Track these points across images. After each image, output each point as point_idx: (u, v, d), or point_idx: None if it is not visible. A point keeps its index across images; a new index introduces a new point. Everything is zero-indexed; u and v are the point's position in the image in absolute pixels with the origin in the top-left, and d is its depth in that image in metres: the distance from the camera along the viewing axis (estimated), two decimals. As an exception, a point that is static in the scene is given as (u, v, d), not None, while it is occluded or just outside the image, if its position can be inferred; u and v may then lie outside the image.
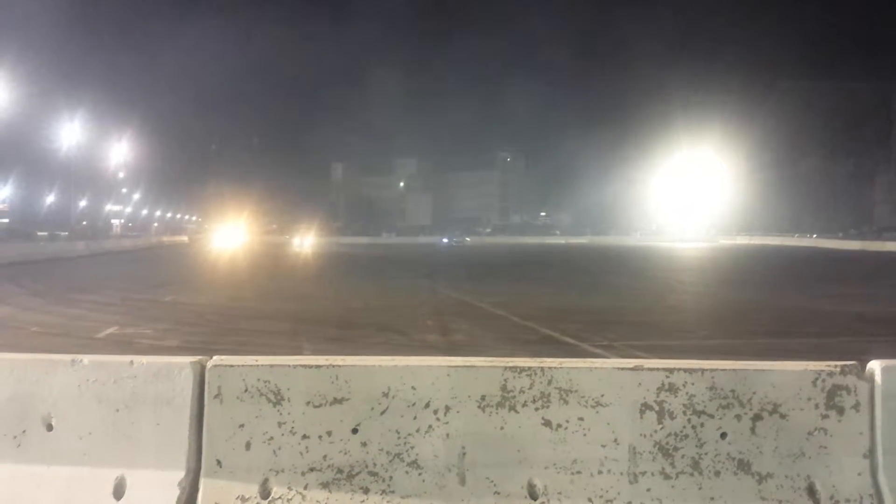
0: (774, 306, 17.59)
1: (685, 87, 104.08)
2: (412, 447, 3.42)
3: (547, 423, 3.45)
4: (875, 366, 3.49)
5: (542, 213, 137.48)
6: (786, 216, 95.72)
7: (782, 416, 3.43)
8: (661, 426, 3.43)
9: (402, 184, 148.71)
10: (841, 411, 3.44)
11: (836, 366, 3.48)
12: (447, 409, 3.46)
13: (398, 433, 3.44)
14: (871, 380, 3.47)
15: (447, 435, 3.44)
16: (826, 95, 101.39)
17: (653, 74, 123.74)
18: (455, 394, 3.48)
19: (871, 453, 3.41)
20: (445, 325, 13.46)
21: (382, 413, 3.45)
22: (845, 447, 3.42)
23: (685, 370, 3.48)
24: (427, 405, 3.45)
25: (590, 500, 3.37)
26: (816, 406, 3.44)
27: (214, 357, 3.57)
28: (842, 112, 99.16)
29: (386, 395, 3.46)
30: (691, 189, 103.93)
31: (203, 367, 3.51)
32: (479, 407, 3.47)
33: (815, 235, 78.22)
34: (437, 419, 3.45)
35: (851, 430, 3.43)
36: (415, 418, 3.44)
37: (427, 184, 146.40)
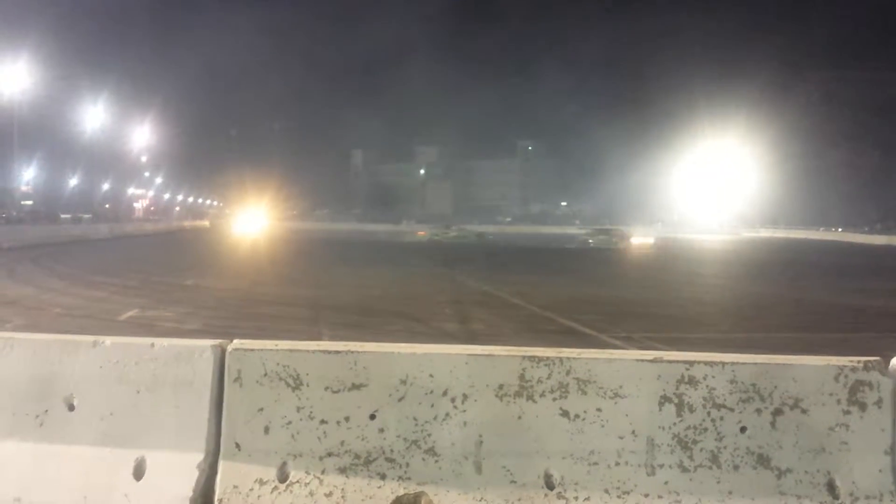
0: (796, 300, 17.42)
1: (710, 77, 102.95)
2: (429, 434, 3.43)
3: (565, 414, 3.44)
4: (896, 361, 3.45)
5: (563, 203, 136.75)
6: (811, 209, 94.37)
7: (803, 411, 3.40)
8: (680, 419, 3.41)
9: (422, 171, 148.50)
10: (863, 407, 3.40)
11: (858, 361, 3.44)
12: (465, 397, 3.46)
13: (416, 420, 3.44)
14: (894, 376, 3.42)
15: (464, 423, 3.45)
16: (853, 86, 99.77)
17: (677, 64, 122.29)
18: (473, 382, 3.48)
19: (892, 450, 3.37)
20: (464, 313, 13.46)
21: (400, 400, 3.45)
22: (867, 443, 3.38)
23: (705, 363, 3.45)
24: (445, 393, 3.46)
25: (606, 491, 3.36)
26: (838, 402, 3.40)
27: (235, 341, 3.59)
28: (869, 103, 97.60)
29: (404, 382, 3.46)
30: (715, 180, 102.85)
31: (223, 351, 3.53)
32: (496, 396, 3.47)
33: (840, 229, 77.24)
34: (455, 407, 3.45)
35: (873, 426, 3.39)
36: (432, 406, 3.45)
37: (447, 172, 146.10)
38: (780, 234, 78.91)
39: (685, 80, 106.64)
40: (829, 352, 3.80)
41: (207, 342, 3.58)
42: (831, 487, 3.35)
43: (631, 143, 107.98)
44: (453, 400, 3.46)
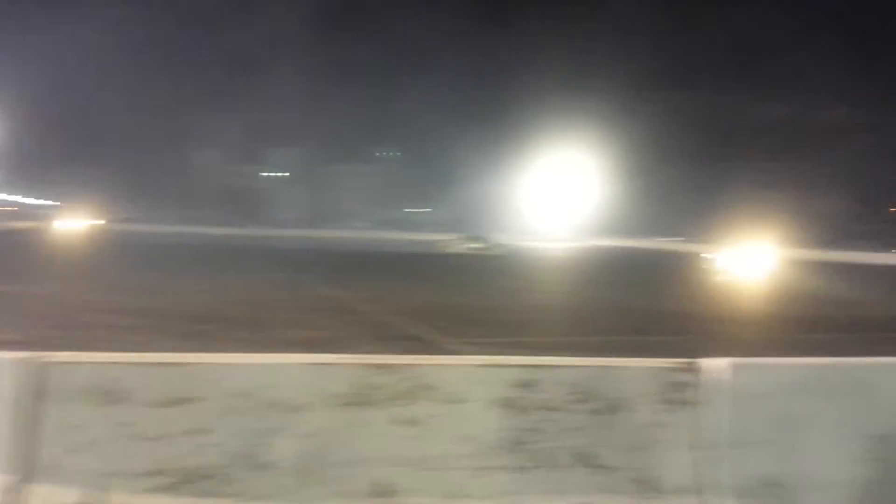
0: (631, 306, 18.54)
1: (561, 91, 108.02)
2: (266, 448, 3.31)
3: (405, 421, 3.44)
4: (709, 363, 3.73)
5: (421, 210, 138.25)
6: (651, 220, 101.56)
7: (628, 411, 3.60)
8: (515, 421, 3.50)
9: (276, 174, 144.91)
10: (679, 406, 3.64)
11: (675, 363, 3.69)
12: (305, 407, 3.38)
13: (251, 433, 3.31)
14: (707, 376, 3.70)
15: (304, 434, 3.36)
16: (692, 107, 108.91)
17: (531, 77, 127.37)
18: (313, 392, 3.41)
19: (704, 446, 3.64)
20: (310, 321, 13.20)
21: (234, 413, 3.31)
22: (681, 440, 3.63)
23: (540, 367, 3.58)
24: (284, 404, 3.37)
25: (442, 495, 3.38)
26: (658, 401, 3.63)
27: (48, 353, 3.28)
28: (703, 123, 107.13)
29: (239, 394, 3.32)
30: (564, 190, 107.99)
31: (35, 365, 3.23)
32: (337, 405, 3.42)
33: (681, 239, 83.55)
34: (294, 418, 3.36)
35: (685, 424, 3.64)
36: (269, 418, 3.33)
37: (304, 175, 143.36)
38: (623, 242, 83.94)
39: (538, 93, 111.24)
40: (653, 354, 4.06)
41: (15, 355, 3.25)
42: (649, 482, 3.57)
43: (487, 152, 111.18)
44: (293, 411, 3.37)
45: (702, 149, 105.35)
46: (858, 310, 18.49)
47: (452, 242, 50.93)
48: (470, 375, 3.52)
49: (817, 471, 3.70)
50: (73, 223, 62.60)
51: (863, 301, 20.95)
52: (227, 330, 11.69)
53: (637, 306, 18.64)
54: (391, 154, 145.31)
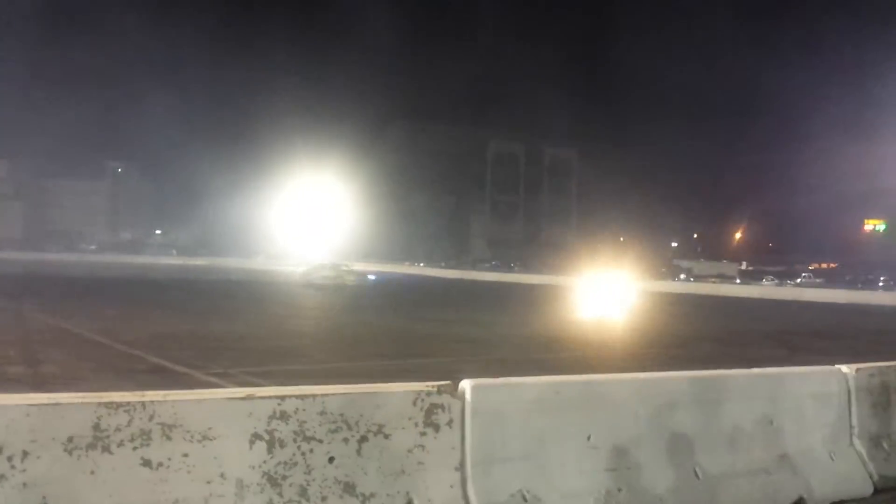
0: (387, 329, 18.94)
1: (312, 116, 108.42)
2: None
3: (146, 463, 3.14)
4: (466, 384, 3.88)
5: (158, 231, 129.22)
6: (399, 245, 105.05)
7: (386, 437, 3.60)
8: (270, 456, 3.35)
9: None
10: (437, 428, 3.74)
11: (433, 386, 3.79)
12: (25, 454, 2.97)
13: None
14: (462, 397, 3.84)
15: (24, 484, 2.96)
16: (434, 137, 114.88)
17: (282, 99, 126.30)
18: (35, 437, 3.01)
19: (461, 466, 3.77)
20: (33, 355, 11.68)
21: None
22: (440, 462, 3.72)
23: (297, 396, 3.46)
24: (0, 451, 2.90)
25: (190, 542, 3.12)
26: (416, 424, 3.69)
27: None
28: (447, 154, 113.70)
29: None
30: (315, 215, 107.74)
31: None
32: (65, 451, 3.05)
33: (422, 264, 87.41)
34: (13, 467, 2.97)
35: (446, 445, 3.75)
36: None
37: (18, 191, 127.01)
38: (373, 267, 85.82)
39: (289, 117, 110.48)
40: (412, 377, 4.14)
41: None
42: (413, 506, 3.60)
43: (233, 173, 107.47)
44: (10, 459, 2.96)
45: (443, 179, 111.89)
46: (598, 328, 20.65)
47: (312, 272, 44.65)
48: (222, 409, 3.30)
49: (563, 484, 4.00)
50: None
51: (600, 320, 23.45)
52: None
53: (391, 329, 19.07)
54: (123, 170, 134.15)
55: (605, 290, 29.39)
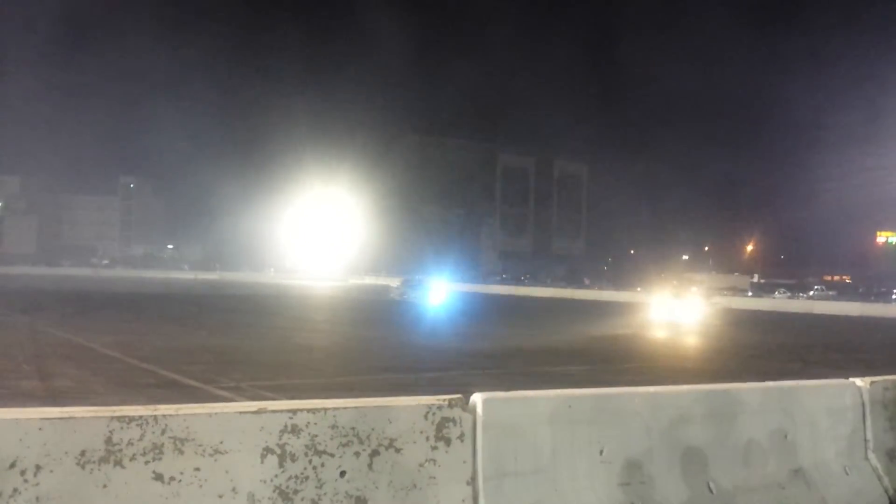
0: (397, 343, 18.93)
1: (323, 131, 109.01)
2: (-9, 514, 2.84)
3: (158, 477, 3.14)
4: (477, 398, 3.87)
5: (170, 246, 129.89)
6: (409, 258, 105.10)
7: (397, 451, 3.59)
8: (282, 469, 3.34)
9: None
10: (448, 442, 3.72)
11: (444, 399, 3.77)
12: (38, 468, 2.97)
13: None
14: (473, 411, 3.82)
15: (36, 499, 2.96)
16: (444, 150, 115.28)
17: (293, 115, 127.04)
18: (48, 451, 3.01)
19: (473, 480, 3.74)
20: (46, 369, 11.74)
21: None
22: (451, 476, 3.70)
23: (308, 410, 3.45)
24: (12, 465, 2.94)
25: (201, 556, 3.12)
26: (427, 438, 3.67)
27: None
28: (457, 167, 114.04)
29: (-52, 457, 2.81)
30: (326, 229, 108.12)
31: None
32: (78, 464, 3.04)
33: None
34: (26, 481, 2.96)
35: (457, 459, 3.73)
36: None
37: (32, 206, 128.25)
38: (382, 280, 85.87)
39: (300, 131, 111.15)
40: (423, 391, 4.13)
41: None
42: (420, 522, 3.59)
43: (244, 188, 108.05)
44: (23, 473, 2.95)
45: (452, 191, 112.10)
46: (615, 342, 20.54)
47: (396, 289, 43.69)
48: (234, 423, 3.30)
49: (575, 498, 3.97)
50: None
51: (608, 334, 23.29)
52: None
53: (401, 342, 19.05)
54: (135, 186, 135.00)
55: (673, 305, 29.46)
